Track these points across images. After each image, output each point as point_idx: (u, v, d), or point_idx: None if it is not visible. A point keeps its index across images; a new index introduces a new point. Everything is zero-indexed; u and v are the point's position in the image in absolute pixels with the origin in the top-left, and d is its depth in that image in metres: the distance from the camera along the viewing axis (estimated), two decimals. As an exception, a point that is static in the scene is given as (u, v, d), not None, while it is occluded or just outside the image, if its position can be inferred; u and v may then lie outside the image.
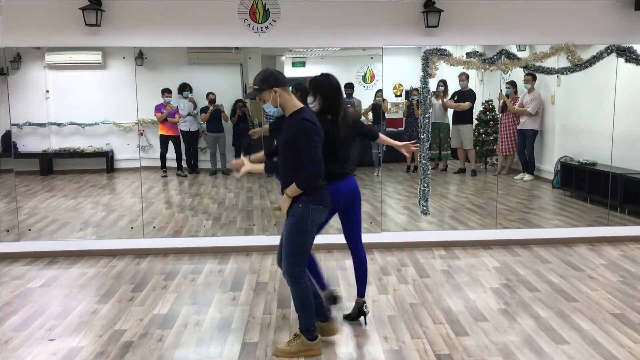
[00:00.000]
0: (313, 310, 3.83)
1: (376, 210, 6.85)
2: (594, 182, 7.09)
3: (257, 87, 3.70)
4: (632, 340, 3.99)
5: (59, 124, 7.32)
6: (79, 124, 7.35)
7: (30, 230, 6.45)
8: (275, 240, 6.27)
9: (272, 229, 6.58)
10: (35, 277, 5.49)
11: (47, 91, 7.24)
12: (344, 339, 4.06)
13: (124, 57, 6.68)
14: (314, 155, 3.58)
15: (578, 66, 6.39)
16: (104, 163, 7.57)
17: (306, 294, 3.78)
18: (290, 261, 3.76)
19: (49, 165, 7.54)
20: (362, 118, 7.98)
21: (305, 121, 3.61)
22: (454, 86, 7.71)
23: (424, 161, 6.43)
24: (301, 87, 6.87)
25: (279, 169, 3.86)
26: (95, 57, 7.10)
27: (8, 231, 6.32)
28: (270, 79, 3.68)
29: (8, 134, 6.62)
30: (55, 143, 7.38)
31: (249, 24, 6.09)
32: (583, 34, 6.34)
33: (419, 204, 6.55)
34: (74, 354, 3.87)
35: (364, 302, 4.33)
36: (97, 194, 7.56)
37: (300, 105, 3.76)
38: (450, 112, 7.87)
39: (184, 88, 7.28)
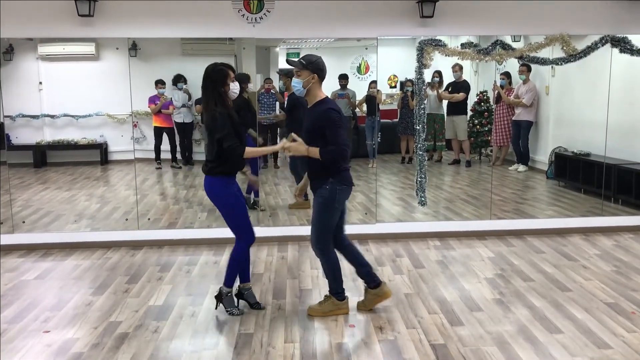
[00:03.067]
0: (341, 275, 4.32)
1: (371, 202, 6.85)
2: (588, 172, 7.11)
3: (304, 62, 4.06)
4: (625, 329, 4.01)
5: (52, 116, 7.28)
6: (72, 116, 7.31)
7: (24, 222, 6.42)
8: (269, 231, 6.31)
9: (267, 220, 6.58)
10: (29, 269, 5.47)
11: (40, 83, 7.20)
12: (338, 329, 4.07)
13: (117, 48, 6.65)
14: (343, 140, 4.00)
15: (573, 57, 6.38)
16: (98, 155, 7.55)
17: (334, 262, 4.26)
18: (318, 236, 4.19)
19: (42, 157, 7.51)
20: (357, 109, 7.99)
21: (331, 111, 4.02)
22: (449, 77, 7.71)
23: (420, 152, 6.43)
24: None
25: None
26: (89, 48, 7.06)
27: (2, 223, 6.29)
28: (317, 66, 4.08)
29: (1, 126, 6.58)
30: (48, 135, 7.34)
31: (243, 15, 6.05)
32: (578, 24, 6.34)
33: (417, 194, 6.54)
34: (69, 345, 3.87)
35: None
36: (92, 186, 7.54)
37: (324, 96, 4.13)
38: (445, 103, 7.87)
39: (178, 79, 7.24)
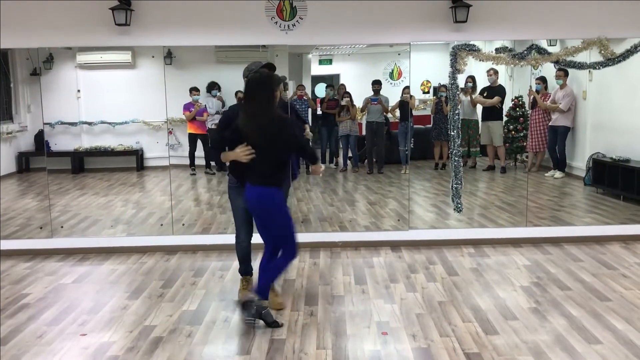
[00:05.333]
0: None
1: (403, 208, 6.81)
2: (627, 179, 6.93)
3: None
4: (668, 340, 3.89)
5: (89, 123, 7.44)
6: (109, 123, 7.46)
7: (62, 227, 6.56)
8: (301, 238, 6.27)
9: (299, 226, 6.59)
10: (67, 273, 5.59)
11: (79, 91, 7.37)
12: (371, 337, 4.04)
13: (153, 57, 6.76)
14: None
15: (611, 60, 6.24)
16: (134, 161, 7.68)
17: None
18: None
19: (80, 163, 7.68)
20: (389, 115, 7.96)
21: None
22: (483, 82, 7.62)
23: (455, 158, 6.35)
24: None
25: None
26: (125, 56, 7.20)
27: (41, 228, 6.45)
28: None
29: (41, 133, 6.76)
30: (86, 142, 7.51)
31: (276, 22, 6.10)
32: (616, 27, 6.19)
33: (452, 201, 6.46)
34: (105, 348, 3.93)
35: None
36: (128, 192, 7.68)
37: None
38: (479, 108, 7.78)
39: (213, 87, 7.33)
